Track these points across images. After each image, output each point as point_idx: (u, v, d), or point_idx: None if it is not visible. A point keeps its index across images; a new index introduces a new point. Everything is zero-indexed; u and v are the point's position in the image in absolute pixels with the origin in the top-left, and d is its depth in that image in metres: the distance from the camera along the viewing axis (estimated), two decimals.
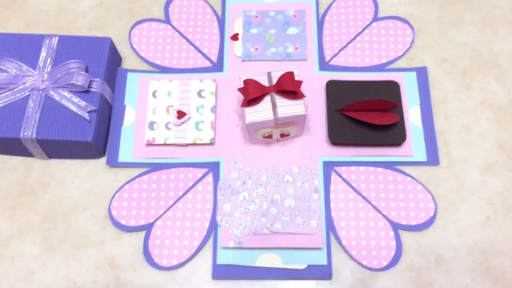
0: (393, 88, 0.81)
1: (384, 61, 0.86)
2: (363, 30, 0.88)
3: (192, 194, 0.78)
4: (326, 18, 0.90)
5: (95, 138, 0.77)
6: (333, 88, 0.82)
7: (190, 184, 0.79)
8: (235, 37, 0.88)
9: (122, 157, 0.81)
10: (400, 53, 0.86)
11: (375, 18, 0.89)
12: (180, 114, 0.81)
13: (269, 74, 0.75)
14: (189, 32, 0.89)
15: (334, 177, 0.79)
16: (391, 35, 0.88)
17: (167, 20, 0.91)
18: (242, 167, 0.79)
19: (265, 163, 0.79)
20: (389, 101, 0.77)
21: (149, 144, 0.81)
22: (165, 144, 0.81)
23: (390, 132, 0.79)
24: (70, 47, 0.81)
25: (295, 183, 0.77)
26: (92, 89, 0.79)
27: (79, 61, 0.77)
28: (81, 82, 0.76)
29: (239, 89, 0.75)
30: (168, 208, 0.77)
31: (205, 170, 0.80)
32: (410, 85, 0.83)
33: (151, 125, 0.81)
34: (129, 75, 0.86)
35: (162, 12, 0.91)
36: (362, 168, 0.79)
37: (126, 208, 0.77)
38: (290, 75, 0.73)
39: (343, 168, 0.79)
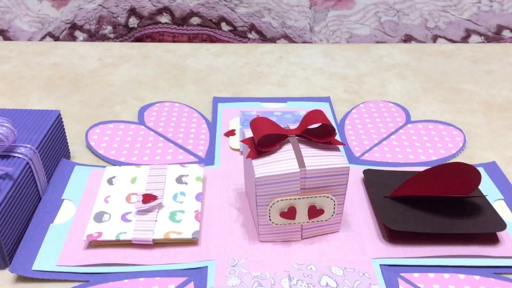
0: (466, 172, 0.54)
1: (434, 158, 0.63)
2: (397, 130, 0.68)
3: None
4: (347, 121, 0.70)
5: (0, 217, 0.46)
6: (373, 177, 0.57)
7: None
8: (230, 133, 0.66)
9: (39, 264, 0.47)
10: (453, 151, 0.64)
11: (409, 121, 0.70)
12: (147, 198, 0.52)
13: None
14: (169, 132, 0.67)
15: (403, 286, 0.46)
16: (435, 135, 0.67)
17: (140, 122, 0.69)
18: (247, 271, 0.46)
19: (284, 268, 0.47)
20: (469, 167, 0.51)
21: (91, 241, 0.49)
22: (117, 243, 0.49)
23: (478, 219, 0.51)
24: (13, 118, 0.57)
25: None
26: (17, 155, 0.51)
27: (5, 118, 0.52)
28: (2, 133, 0.50)
29: (243, 140, 0.50)
30: None
31: (182, 279, 0.46)
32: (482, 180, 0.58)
33: (99, 216, 0.51)
34: (77, 168, 0.59)
35: (134, 118, 0.71)
36: (447, 275, 0.47)
37: None
38: (318, 113, 0.50)
39: (416, 275, 0.47)
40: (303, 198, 0.47)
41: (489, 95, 0.78)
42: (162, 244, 0.49)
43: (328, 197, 0.47)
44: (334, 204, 0.48)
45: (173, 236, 0.49)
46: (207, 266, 0.47)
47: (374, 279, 0.46)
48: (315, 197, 0.47)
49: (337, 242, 0.50)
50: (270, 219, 0.47)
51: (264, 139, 0.48)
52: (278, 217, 0.47)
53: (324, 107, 0.73)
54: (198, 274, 0.47)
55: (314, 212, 0.48)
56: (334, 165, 0.47)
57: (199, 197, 0.53)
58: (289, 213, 0.47)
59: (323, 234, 0.51)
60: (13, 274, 0.47)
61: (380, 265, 0.48)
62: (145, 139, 0.65)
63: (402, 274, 0.47)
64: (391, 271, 0.47)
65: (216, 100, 0.75)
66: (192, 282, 0.46)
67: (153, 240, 0.49)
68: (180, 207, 0.52)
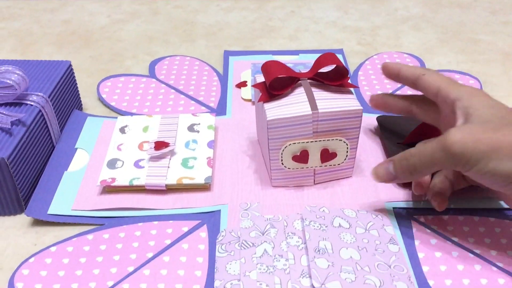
0: None
1: None
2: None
3: (171, 256, 0.43)
4: (360, 72, 0.69)
5: (14, 162, 0.46)
6: (386, 123, 0.56)
7: (168, 242, 0.44)
8: (242, 84, 0.66)
9: (54, 209, 0.48)
10: None
11: None
12: (159, 145, 0.52)
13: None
14: (180, 84, 0.67)
15: (417, 228, 0.46)
16: None
17: (151, 76, 0.69)
18: (259, 215, 0.46)
19: (296, 211, 0.47)
20: None
21: (106, 186, 0.49)
22: (130, 188, 0.49)
23: None
24: (25, 69, 0.57)
25: (354, 229, 0.44)
26: (29, 102, 0.51)
27: (17, 67, 0.52)
28: (13, 81, 0.49)
29: (255, 85, 0.49)
30: (124, 278, 0.41)
31: (195, 222, 0.47)
32: None
33: (112, 163, 0.51)
34: (89, 119, 0.59)
35: (145, 73, 0.70)
36: (461, 217, 0.47)
37: (45, 279, 0.41)
38: (331, 56, 0.49)
39: (429, 217, 0.47)
40: (315, 141, 0.46)
41: (507, 45, 0.76)
42: (175, 190, 0.49)
43: (341, 140, 0.47)
44: (347, 148, 0.47)
45: (185, 181, 0.49)
46: (220, 210, 0.47)
47: (387, 221, 0.45)
48: (327, 140, 0.46)
49: (350, 187, 0.50)
50: (282, 163, 0.47)
51: (276, 82, 0.47)
52: (291, 161, 0.47)
53: None
54: (211, 218, 0.47)
55: (327, 155, 0.47)
56: (347, 107, 0.46)
57: (211, 144, 0.53)
58: (302, 157, 0.47)
59: (336, 179, 0.50)
60: (29, 219, 0.48)
61: (393, 208, 0.47)
62: (156, 91, 0.65)
63: (415, 216, 0.47)
64: (404, 214, 0.47)
65: (227, 54, 0.74)
66: (205, 225, 0.46)
67: (166, 185, 0.49)
68: (193, 154, 0.52)
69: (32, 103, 0.51)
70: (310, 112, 0.45)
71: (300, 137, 0.46)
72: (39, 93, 0.52)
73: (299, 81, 0.48)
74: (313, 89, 0.48)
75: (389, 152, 0.52)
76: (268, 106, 0.46)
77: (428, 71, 0.46)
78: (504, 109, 0.40)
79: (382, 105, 0.51)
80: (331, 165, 0.48)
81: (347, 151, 0.48)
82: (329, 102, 0.46)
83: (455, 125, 0.41)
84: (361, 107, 0.46)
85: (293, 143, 0.46)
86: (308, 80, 0.48)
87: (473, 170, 0.38)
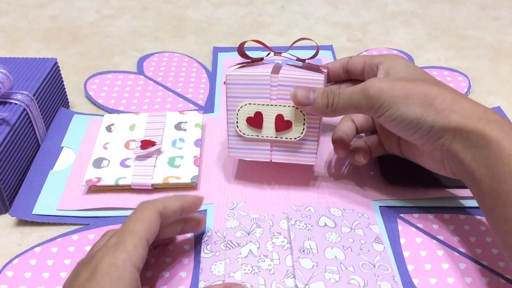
0: None
1: None
2: None
3: (156, 257, 0.43)
4: None
5: None
6: None
7: None
8: None
9: (39, 208, 0.48)
10: None
11: None
12: (146, 144, 0.51)
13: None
14: (168, 81, 0.66)
15: (403, 227, 0.46)
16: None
17: (140, 72, 0.68)
18: (245, 214, 0.46)
19: (282, 210, 0.47)
20: None
21: (91, 186, 0.49)
22: (116, 188, 0.49)
23: None
24: (10, 66, 0.56)
25: (339, 229, 0.44)
26: (14, 101, 0.51)
27: (1, 65, 0.51)
28: None
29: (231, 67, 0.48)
30: None
31: None
32: None
33: (98, 162, 0.51)
34: (76, 117, 0.59)
35: (133, 69, 0.70)
36: (447, 216, 0.47)
37: (29, 281, 0.41)
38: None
39: (415, 215, 0.47)
40: (271, 105, 0.45)
41: (497, 41, 0.76)
42: (161, 189, 0.49)
43: (297, 108, 0.45)
44: (305, 120, 0.45)
45: (172, 180, 0.49)
46: (206, 210, 0.47)
47: (373, 220, 0.45)
48: (283, 106, 0.45)
49: (336, 186, 0.49)
50: (237, 126, 0.46)
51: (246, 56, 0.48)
52: (245, 125, 0.46)
53: (326, 56, 0.71)
54: None
55: (281, 123, 0.45)
56: (309, 77, 0.44)
57: (198, 143, 0.53)
58: (256, 120, 0.45)
59: (297, 163, 0.48)
60: (14, 219, 0.47)
61: (380, 206, 0.47)
62: (144, 88, 0.65)
63: (401, 215, 0.47)
64: (390, 212, 0.47)
65: (217, 50, 0.73)
66: None
67: (152, 184, 0.48)
68: (179, 153, 0.52)
69: (16, 102, 0.51)
70: (269, 73, 0.44)
71: (257, 98, 0.45)
72: (24, 92, 0.52)
73: (275, 62, 0.48)
74: (285, 65, 0.48)
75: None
76: (233, 68, 0.46)
77: (353, 56, 0.50)
78: (420, 70, 0.44)
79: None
80: (287, 139, 0.46)
81: (304, 123, 0.45)
82: (294, 72, 0.45)
83: None
84: (323, 79, 0.44)
85: (249, 104, 0.45)
86: (283, 55, 0.49)
87: (386, 115, 0.40)
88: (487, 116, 0.37)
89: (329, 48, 0.74)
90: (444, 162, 0.41)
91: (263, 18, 0.84)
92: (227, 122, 0.46)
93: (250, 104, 0.45)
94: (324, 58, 0.71)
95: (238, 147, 0.47)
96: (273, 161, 0.47)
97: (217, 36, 0.79)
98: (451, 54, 0.73)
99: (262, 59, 0.50)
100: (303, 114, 0.45)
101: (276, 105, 0.45)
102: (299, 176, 0.50)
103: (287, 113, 0.45)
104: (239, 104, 0.45)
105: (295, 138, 0.45)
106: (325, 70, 0.49)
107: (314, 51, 0.72)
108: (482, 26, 0.80)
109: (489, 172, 0.36)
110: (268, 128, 0.45)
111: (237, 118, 0.46)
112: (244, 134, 0.46)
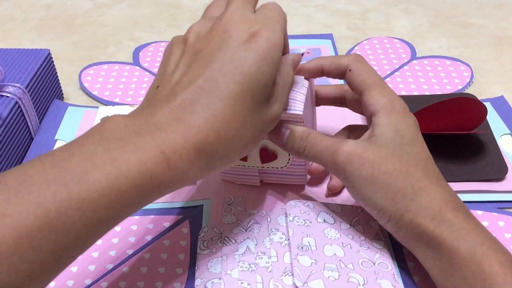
0: (471, 107, 0.52)
1: (439, 93, 0.60)
2: (401, 66, 0.65)
3: (151, 252, 0.42)
4: None
5: None
6: None
7: (148, 238, 0.43)
8: None
9: None
10: (460, 87, 0.62)
11: (414, 57, 0.67)
12: None
13: None
14: None
15: None
16: (441, 71, 0.64)
17: (135, 63, 0.67)
18: (243, 209, 0.45)
19: (281, 205, 0.46)
20: (475, 102, 0.49)
21: None
22: None
23: (481, 163, 0.49)
24: (2, 58, 0.55)
25: (339, 225, 0.43)
26: (5, 94, 0.50)
27: None
28: None
29: None
30: (103, 276, 0.40)
31: (177, 217, 0.46)
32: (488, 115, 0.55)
33: None
34: (70, 109, 0.58)
35: (129, 59, 0.69)
36: None
37: None
38: None
39: None
40: None
41: (499, 29, 0.75)
42: None
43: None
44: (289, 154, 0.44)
45: None
46: (202, 205, 0.46)
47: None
48: (266, 138, 0.42)
49: (337, 180, 0.48)
50: None
51: None
52: None
53: (326, 45, 0.70)
54: (194, 212, 0.46)
55: (266, 155, 0.44)
56: (286, 111, 0.40)
57: None
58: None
59: (288, 184, 0.47)
60: None
61: None
62: (140, 80, 0.63)
63: None
64: None
65: None
66: (187, 221, 0.45)
67: None
68: None
69: (8, 95, 0.50)
70: None
71: None
72: (16, 84, 0.51)
73: None
74: None
75: None
76: None
77: (353, 63, 0.41)
78: (409, 134, 0.38)
79: (315, 71, 0.44)
80: (274, 168, 0.45)
81: (289, 154, 0.44)
82: None
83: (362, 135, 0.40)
84: (301, 113, 0.40)
85: None
86: None
87: (349, 189, 0.39)
88: (442, 215, 0.35)
89: (329, 36, 0.72)
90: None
91: None
92: None
93: None
94: (324, 47, 0.69)
95: (228, 173, 0.47)
96: (262, 183, 0.47)
97: None
98: (453, 42, 0.72)
99: None
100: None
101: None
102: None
103: (271, 145, 0.44)
104: None
105: (281, 168, 0.45)
106: (306, 88, 0.43)
107: (313, 40, 0.71)
108: (485, 13, 0.79)
109: (442, 274, 0.35)
110: (254, 160, 0.45)
111: None
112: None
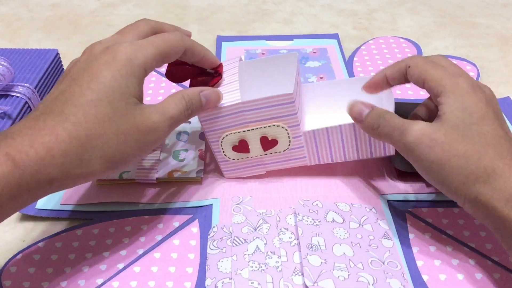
0: None
1: None
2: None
3: (162, 252, 0.42)
4: (355, 58, 0.68)
5: None
6: None
7: (159, 238, 0.44)
8: None
9: (43, 203, 0.47)
10: None
11: None
12: None
13: None
14: None
15: (411, 222, 0.45)
16: None
17: None
18: (252, 209, 0.46)
19: (290, 204, 0.46)
20: None
21: (95, 179, 0.48)
22: (120, 182, 0.48)
23: None
24: (11, 58, 0.55)
25: (347, 224, 0.43)
26: (15, 94, 0.50)
27: (2, 57, 0.51)
28: None
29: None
30: (114, 276, 0.41)
31: (187, 217, 0.46)
32: None
33: None
34: None
35: None
36: (456, 210, 0.46)
37: (32, 277, 0.41)
38: None
39: (424, 209, 0.46)
40: (251, 129, 0.44)
41: (505, 29, 0.75)
42: (166, 183, 0.48)
43: (278, 126, 0.44)
44: (288, 133, 0.45)
45: (177, 175, 0.48)
46: (211, 204, 0.46)
47: (381, 215, 0.45)
48: (264, 127, 0.44)
49: (344, 179, 0.49)
50: (225, 155, 0.46)
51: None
52: (232, 152, 0.46)
53: (332, 44, 0.70)
54: (203, 212, 0.46)
55: (268, 143, 0.45)
56: (276, 93, 0.43)
57: (203, 136, 0.52)
58: (241, 146, 0.45)
59: (293, 167, 0.48)
60: (17, 214, 0.47)
61: (388, 200, 0.47)
62: (147, 79, 0.63)
63: (410, 209, 0.46)
64: (399, 207, 0.46)
65: (220, 39, 0.72)
66: (196, 220, 0.45)
67: (157, 179, 0.48)
68: (184, 146, 0.51)
69: (18, 95, 0.50)
70: (239, 100, 0.43)
71: (234, 127, 0.44)
72: (25, 84, 0.51)
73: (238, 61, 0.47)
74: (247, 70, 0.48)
75: None
76: None
77: (411, 60, 0.42)
78: (478, 112, 0.38)
79: (381, 83, 0.46)
80: (276, 153, 0.46)
81: (289, 137, 0.45)
82: (262, 89, 0.45)
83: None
84: (292, 92, 0.42)
85: (230, 134, 0.45)
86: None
87: (416, 166, 0.39)
88: None
89: (335, 36, 0.72)
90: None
91: (267, 6, 0.82)
92: (213, 151, 0.46)
93: (231, 133, 0.44)
94: (330, 47, 0.69)
95: (231, 169, 0.48)
96: (267, 170, 0.48)
97: (220, 24, 0.77)
98: (459, 42, 0.72)
99: (219, 74, 0.46)
100: (285, 128, 0.44)
101: (257, 128, 0.44)
102: (306, 169, 0.49)
103: (270, 133, 0.45)
104: (220, 135, 0.45)
105: (283, 151, 0.46)
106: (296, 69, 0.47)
107: (319, 40, 0.71)
108: (491, 13, 0.79)
109: None
110: (256, 149, 0.46)
111: (222, 147, 0.46)
112: (234, 159, 0.46)
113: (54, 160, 0.33)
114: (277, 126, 0.44)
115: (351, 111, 0.42)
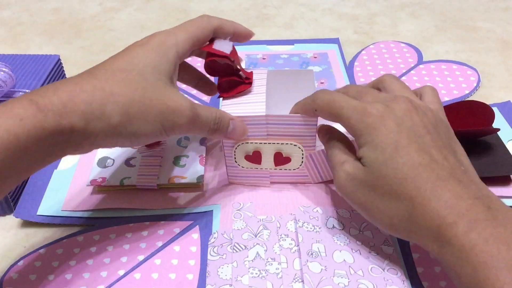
0: (479, 111, 0.52)
1: (446, 98, 0.61)
2: (408, 71, 0.66)
3: (162, 259, 0.43)
4: (356, 63, 0.68)
5: None
6: None
7: (159, 244, 0.44)
8: None
9: (44, 209, 0.47)
10: (467, 91, 0.62)
11: (421, 62, 0.68)
12: (151, 143, 0.51)
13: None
14: None
15: None
16: (448, 75, 0.65)
17: None
18: (252, 215, 0.46)
19: (290, 211, 0.46)
20: (483, 105, 0.49)
21: (95, 185, 0.48)
22: (121, 188, 0.48)
23: (490, 160, 0.49)
24: (12, 64, 0.56)
25: (348, 230, 0.43)
26: None
27: (3, 63, 0.51)
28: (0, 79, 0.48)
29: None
30: (115, 282, 0.41)
31: (187, 223, 0.46)
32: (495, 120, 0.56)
33: (102, 162, 0.50)
34: None
35: None
36: None
37: (33, 284, 0.41)
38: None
39: None
40: (268, 143, 0.44)
41: (506, 33, 0.75)
42: (166, 189, 0.49)
43: (295, 145, 0.44)
44: (302, 154, 0.45)
45: (177, 180, 0.48)
46: (212, 210, 0.47)
47: None
48: (281, 144, 0.44)
49: None
50: (236, 161, 0.46)
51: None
52: (244, 160, 0.46)
53: (332, 49, 0.70)
54: (204, 218, 0.46)
55: (281, 159, 0.46)
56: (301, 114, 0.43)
57: (204, 141, 0.52)
58: (254, 157, 0.45)
59: (296, 182, 0.49)
60: (19, 220, 0.47)
61: None
62: None
63: None
64: None
65: None
66: (197, 226, 0.45)
67: (158, 185, 0.48)
68: (185, 152, 0.51)
69: None
70: (264, 113, 0.43)
71: (253, 137, 0.44)
72: (27, 90, 0.51)
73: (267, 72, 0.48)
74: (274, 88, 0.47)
75: None
76: (225, 102, 0.45)
77: (315, 102, 0.40)
78: (389, 146, 0.35)
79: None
80: (286, 169, 0.47)
81: (302, 157, 0.45)
82: (287, 105, 0.44)
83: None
84: (316, 117, 0.43)
85: (246, 143, 0.45)
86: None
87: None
88: (441, 236, 0.33)
89: (336, 41, 0.72)
90: None
91: (268, 10, 0.83)
92: (224, 155, 0.46)
93: (248, 143, 0.44)
94: (331, 52, 0.69)
95: (237, 175, 0.48)
96: (272, 183, 0.49)
97: None
98: (460, 46, 0.72)
99: (250, 75, 0.46)
100: (301, 149, 0.45)
101: (274, 143, 0.44)
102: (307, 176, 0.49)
103: (286, 150, 0.45)
104: (236, 142, 0.45)
105: (294, 169, 0.46)
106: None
107: (320, 44, 0.71)
108: (491, 17, 0.79)
109: None
110: (267, 162, 0.46)
111: (234, 154, 0.45)
112: (243, 167, 0.47)
113: (76, 106, 0.33)
114: (294, 145, 0.44)
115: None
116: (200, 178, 0.48)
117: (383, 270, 0.40)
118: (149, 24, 0.79)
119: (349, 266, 0.39)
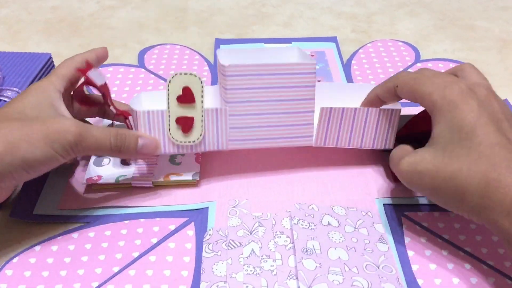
0: None
1: None
2: (405, 69, 0.66)
3: (157, 255, 0.42)
4: (353, 62, 0.68)
5: None
6: None
7: (154, 241, 0.44)
8: None
9: (40, 208, 0.47)
10: None
11: (418, 60, 0.68)
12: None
13: None
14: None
15: (407, 226, 0.45)
16: None
17: (140, 66, 0.67)
18: (248, 212, 0.46)
19: (285, 207, 0.46)
20: None
21: (91, 184, 0.48)
22: (116, 186, 0.48)
23: None
24: (1, 62, 0.56)
25: (343, 228, 0.43)
26: (3, 98, 0.50)
27: None
28: None
29: None
30: (109, 279, 0.41)
31: (183, 220, 0.46)
32: None
33: (98, 160, 0.50)
34: None
35: (134, 62, 0.69)
36: (452, 214, 0.46)
37: (29, 280, 0.41)
38: None
39: (420, 213, 0.46)
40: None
41: (504, 32, 0.75)
42: (162, 187, 0.49)
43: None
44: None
45: (173, 178, 0.48)
46: (207, 207, 0.47)
47: (377, 218, 0.45)
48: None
49: (340, 182, 0.49)
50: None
51: None
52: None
53: (330, 48, 0.70)
54: (199, 215, 0.46)
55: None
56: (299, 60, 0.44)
57: None
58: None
59: (295, 146, 0.48)
60: (15, 220, 0.47)
61: (384, 204, 0.47)
62: (145, 82, 0.64)
63: (406, 213, 0.46)
64: (395, 210, 0.46)
65: (219, 42, 0.72)
66: (192, 223, 0.45)
67: (153, 183, 0.48)
68: None
69: (6, 99, 0.50)
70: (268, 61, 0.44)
71: (258, 89, 0.44)
72: (14, 88, 0.51)
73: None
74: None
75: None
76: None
77: (398, 79, 0.42)
78: (466, 126, 0.36)
79: (375, 102, 0.47)
80: (286, 114, 0.46)
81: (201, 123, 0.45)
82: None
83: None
84: (314, 61, 0.44)
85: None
86: None
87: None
88: None
89: (333, 39, 0.72)
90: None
91: (266, 9, 0.82)
92: (228, 115, 0.45)
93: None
94: (328, 50, 0.69)
95: (240, 139, 0.46)
96: (274, 146, 0.47)
97: (219, 27, 0.77)
98: (458, 45, 0.72)
99: None
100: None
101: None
102: (302, 173, 0.49)
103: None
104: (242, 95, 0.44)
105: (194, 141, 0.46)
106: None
107: (317, 43, 0.71)
108: (490, 16, 0.79)
109: None
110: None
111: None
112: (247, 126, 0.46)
113: None
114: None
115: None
116: (196, 175, 0.48)
117: (378, 267, 0.40)
118: (147, 23, 0.79)
119: (344, 263, 0.39)
